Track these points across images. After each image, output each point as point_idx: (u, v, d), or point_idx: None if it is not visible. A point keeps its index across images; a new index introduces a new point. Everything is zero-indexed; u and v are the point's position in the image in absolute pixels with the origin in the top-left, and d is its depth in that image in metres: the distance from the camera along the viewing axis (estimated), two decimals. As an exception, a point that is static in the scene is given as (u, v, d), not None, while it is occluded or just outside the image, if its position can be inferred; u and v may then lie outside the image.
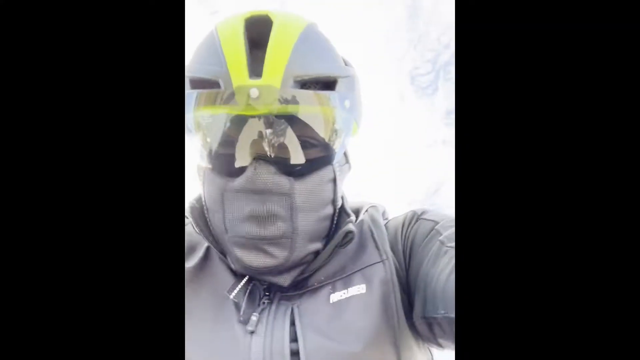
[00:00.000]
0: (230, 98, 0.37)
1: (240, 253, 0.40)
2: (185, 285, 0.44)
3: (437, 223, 0.42)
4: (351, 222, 0.44)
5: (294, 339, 0.39)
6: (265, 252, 0.40)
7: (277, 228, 0.40)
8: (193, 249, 0.48)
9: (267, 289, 0.43)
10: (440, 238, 0.40)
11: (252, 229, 0.39)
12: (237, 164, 0.40)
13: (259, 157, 0.39)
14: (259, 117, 0.38)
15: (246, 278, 0.42)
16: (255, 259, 0.40)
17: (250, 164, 0.39)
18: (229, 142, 0.40)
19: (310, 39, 0.40)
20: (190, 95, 0.38)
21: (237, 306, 0.42)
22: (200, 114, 0.39)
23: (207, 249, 0.47)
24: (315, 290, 0.43)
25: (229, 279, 0.44)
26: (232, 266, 0.43)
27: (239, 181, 0.39)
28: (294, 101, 0.37)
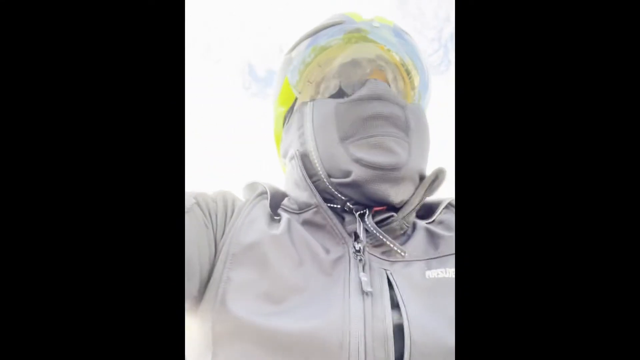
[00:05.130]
0: (355, 30, 0.46)
1: (361, 153, 0.40)
2: (271, 248, 0.39)
3: None
4: (441, 170, 0.43)
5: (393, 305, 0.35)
6: (388, 149, 0.40)
7: (398, 126, 0.41)
8: (270, 216, 0.45)
9: (358, 251, 0.39)
10: None
11: (378, 125, 0.40)
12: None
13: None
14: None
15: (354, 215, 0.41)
16: (379, 155, 0.39)
17: (369, 80, 0.43)
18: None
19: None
20: (308, 42, 0.48)
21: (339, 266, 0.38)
22: (321, 54, 0.47)
23: (288, 221, 0.43)
24: (408, 263, 0.40)
25: (314, 238, 0.41)
26: (347, 179, 0.41)
27: (360, 91, 0.42)
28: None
